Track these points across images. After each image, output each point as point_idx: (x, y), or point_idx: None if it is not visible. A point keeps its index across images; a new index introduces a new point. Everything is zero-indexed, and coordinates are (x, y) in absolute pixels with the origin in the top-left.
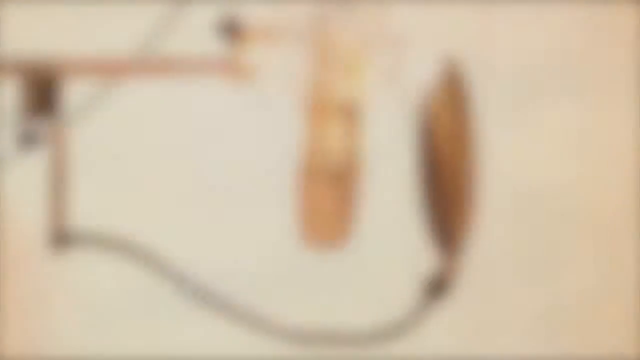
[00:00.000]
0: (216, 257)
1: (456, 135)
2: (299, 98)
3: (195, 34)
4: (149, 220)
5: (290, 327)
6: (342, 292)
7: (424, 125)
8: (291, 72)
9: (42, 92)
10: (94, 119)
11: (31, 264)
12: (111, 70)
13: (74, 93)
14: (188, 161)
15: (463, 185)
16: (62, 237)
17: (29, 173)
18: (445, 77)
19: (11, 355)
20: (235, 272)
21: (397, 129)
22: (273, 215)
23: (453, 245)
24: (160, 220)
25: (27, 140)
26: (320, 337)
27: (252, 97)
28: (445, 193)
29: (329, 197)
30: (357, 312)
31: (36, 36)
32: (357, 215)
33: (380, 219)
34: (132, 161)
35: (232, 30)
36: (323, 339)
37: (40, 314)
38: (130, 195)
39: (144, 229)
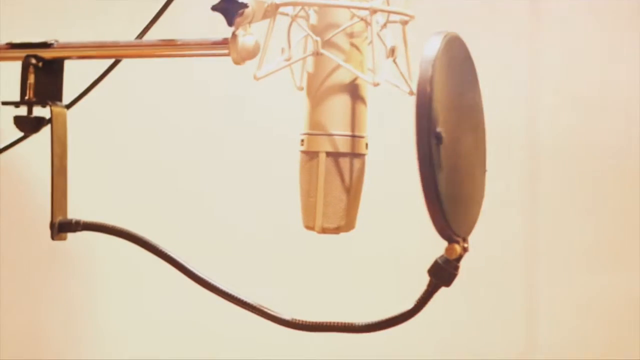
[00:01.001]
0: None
1: (460, 108)
2: (301, 78)
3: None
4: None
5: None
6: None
7: (427, 101)
8: (293, 51)
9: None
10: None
11: None
12: (113, 52)
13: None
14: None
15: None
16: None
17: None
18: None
19: None
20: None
21: (401, 108)
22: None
23: (466, 229)
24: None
25: (27, 125)
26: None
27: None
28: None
29: (333, 181)
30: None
31: (33, 24)
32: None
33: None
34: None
35: (233, 9)
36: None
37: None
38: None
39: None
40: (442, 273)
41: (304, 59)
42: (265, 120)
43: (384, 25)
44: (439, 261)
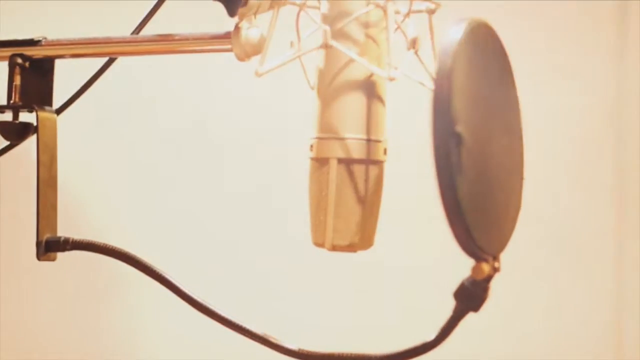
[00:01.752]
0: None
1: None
2: (312, 74)
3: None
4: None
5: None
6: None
7: (445, 97)
8: (304, 45)
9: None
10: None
11: None
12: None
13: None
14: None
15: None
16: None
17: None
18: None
19: None
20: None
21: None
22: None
23: (496, 246)
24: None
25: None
26: None
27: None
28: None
29: (346, 192)
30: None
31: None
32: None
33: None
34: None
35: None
36: None
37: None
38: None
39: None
40: (470, 297)
41: (310, 52)
42: (277, 124)
43: (407, 14)
44: (466, 283)
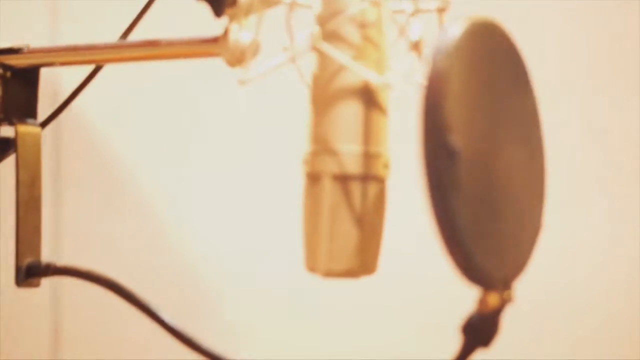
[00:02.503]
0: None
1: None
2: (305, 80)
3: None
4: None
5: None
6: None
7: (436, 103)
8: (295, 48)
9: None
10: None
11: None
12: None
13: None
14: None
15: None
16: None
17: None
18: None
19: None
20: None
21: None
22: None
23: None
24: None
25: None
26: None
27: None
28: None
29: (340, 212)
30: None
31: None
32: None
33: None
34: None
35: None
36: None
37: None
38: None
39: None
40: (478, 330)
41: (298, 57)
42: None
43: (413, 13)
44: (473, 316)
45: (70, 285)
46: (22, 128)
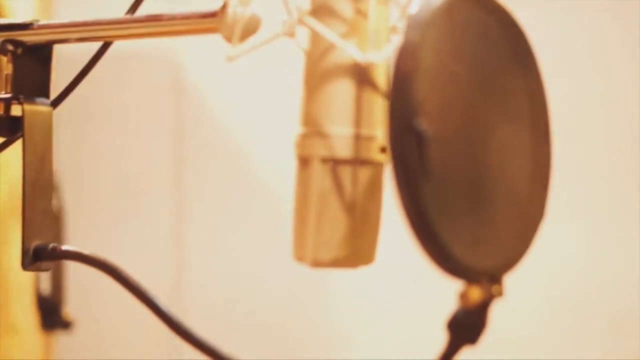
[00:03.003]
0: None
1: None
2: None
3: None
4: None
5: None
6: None
7: (404, 83)
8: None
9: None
10: None
11: None
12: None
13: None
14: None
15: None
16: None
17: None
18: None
19: None
20: None
21: None
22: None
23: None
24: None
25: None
26: None
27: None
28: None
29: (328, 198)
30: None
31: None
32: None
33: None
34: None
35: None
36: None
37: None
38: None
39: None
40: (463, 327)
41: (286, 34)
42: None
43: None
44: (458, 311)
45: None
46: (30, 107)
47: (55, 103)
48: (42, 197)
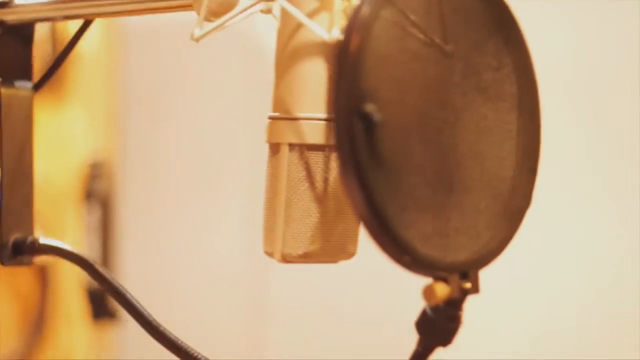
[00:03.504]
0: None
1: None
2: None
3: None
4: None
5: None
6: None
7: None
8: None
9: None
10: None
11: None
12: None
13: None
14: None
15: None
16: None
17: None
18: None
19: None
20: None
21: None
22: None
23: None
24: None
25: None
26: None
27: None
28: None
29: (297, 187)
30: None
31: None
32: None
33: None
34: None
35: None
36: None
37: None
38: None
39: None
40: (433, 327)
41: (253, 9)
42: None
43: None
44: (427, 310)
45: None
46: (8, 91)
47: (37, 86)
48: (22, 185)
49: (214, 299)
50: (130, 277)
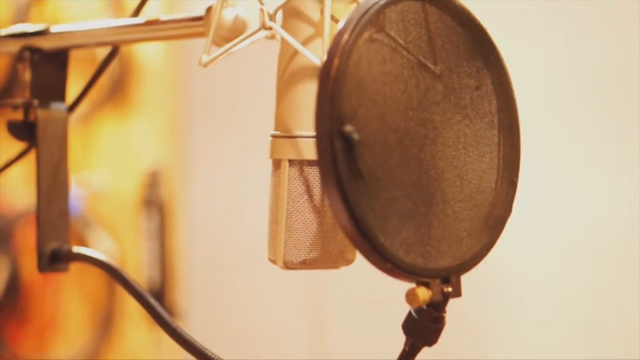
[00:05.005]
0: None
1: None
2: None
3: None
4: None
5: None
6: None
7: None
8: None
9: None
10: None
11: None
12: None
13: None
14: None
15: None
16: None
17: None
18: None
19: None
20: None
21: None
22: None
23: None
24: None
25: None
26: None
27: None
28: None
29: (297, 199)
30: None
31: None
32: None
33: None
34: None
35: None
36: None
37: None
38: None
39: None
40: (417, 328)
41: (254, 37)
42: None
43: None
44: (412, 312)
45: None
46: (44, 113)
47: (71, 108)
48: (58, 199)
49: (276, 300)
50: (194, 280)
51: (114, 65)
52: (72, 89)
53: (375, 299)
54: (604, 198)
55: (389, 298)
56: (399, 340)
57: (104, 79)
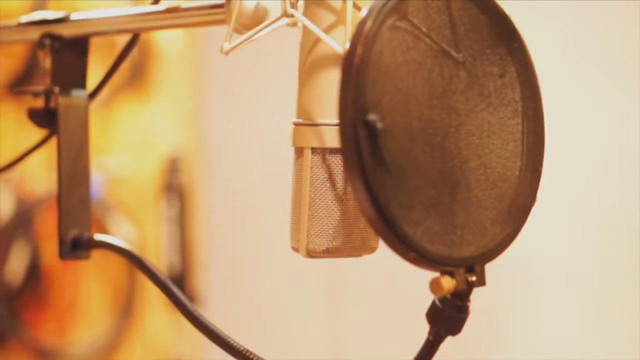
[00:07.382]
0: None
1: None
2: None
3: None
4: None
5: None
6: None
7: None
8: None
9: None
10: None
11: None
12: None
13: None
14: None
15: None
16: None
17: None
18: None
19: None
20: None
21: None
22: None
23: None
24: None
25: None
26: None
27: None
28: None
29: (320, 188)
30: None
31: None
32: None
33: None
34: None
35: None
36: None
37: None
38: None
39: None
40: (442, 317)
41: (276, 24)
42: None
43: None
44: (436, 302)
45: None
46: (64, 100)
47: (92, 95)
48: (79, 187)
49: (295, 286)
50: (214, 266)
51: (133, 50)
52: (92, 74)
53: (394, 286)
54: None
55: (407, 285)
56: (418, 329)
57: (124, 64)
